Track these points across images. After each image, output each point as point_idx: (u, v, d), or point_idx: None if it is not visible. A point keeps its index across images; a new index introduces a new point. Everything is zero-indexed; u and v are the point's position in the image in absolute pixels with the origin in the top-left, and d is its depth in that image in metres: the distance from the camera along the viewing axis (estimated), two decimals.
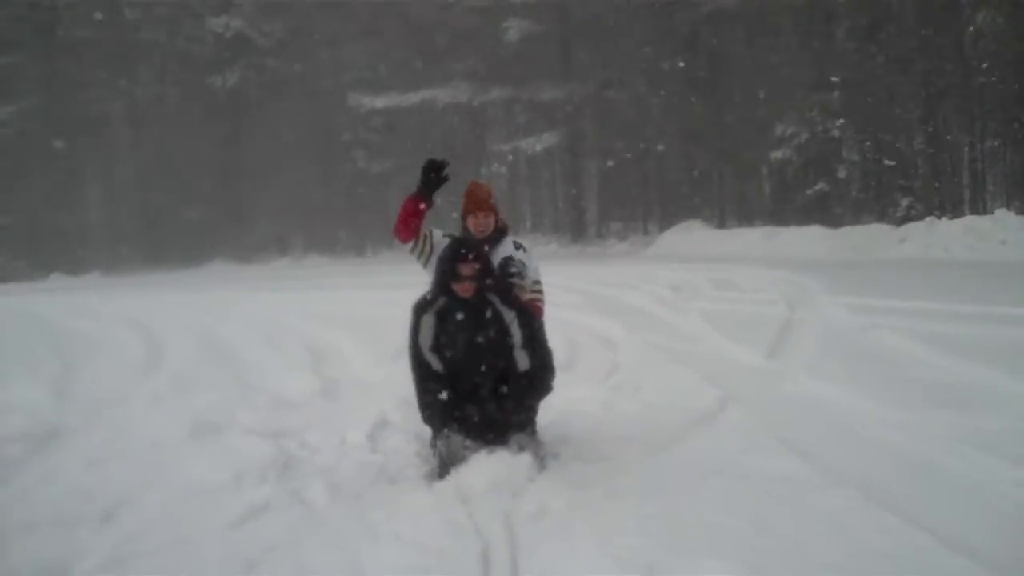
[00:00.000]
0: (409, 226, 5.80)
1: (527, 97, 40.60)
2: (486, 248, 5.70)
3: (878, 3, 29.98)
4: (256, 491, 5.19)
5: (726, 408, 6.77)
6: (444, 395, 5.33)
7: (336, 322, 14.04)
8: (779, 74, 33.06)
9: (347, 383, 8.81)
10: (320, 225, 49.06)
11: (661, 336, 10.84)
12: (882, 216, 29.07)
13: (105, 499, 5.18)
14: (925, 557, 3.84)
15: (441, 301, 5.38)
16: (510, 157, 44.66)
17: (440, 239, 5.86)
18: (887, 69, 29.41)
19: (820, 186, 32.11)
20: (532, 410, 5.58)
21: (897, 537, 4.04)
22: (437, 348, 5.39)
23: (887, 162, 30.29)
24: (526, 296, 5.77)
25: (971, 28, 28.61)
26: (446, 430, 5.38)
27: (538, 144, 39.71)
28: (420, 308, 5.42)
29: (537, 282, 6.03)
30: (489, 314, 5.35)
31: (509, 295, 5.48)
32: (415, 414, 5.69)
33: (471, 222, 5.91)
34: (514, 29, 37.72)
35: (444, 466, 5.30)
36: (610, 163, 40.42)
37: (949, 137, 30.45)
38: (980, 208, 28.76)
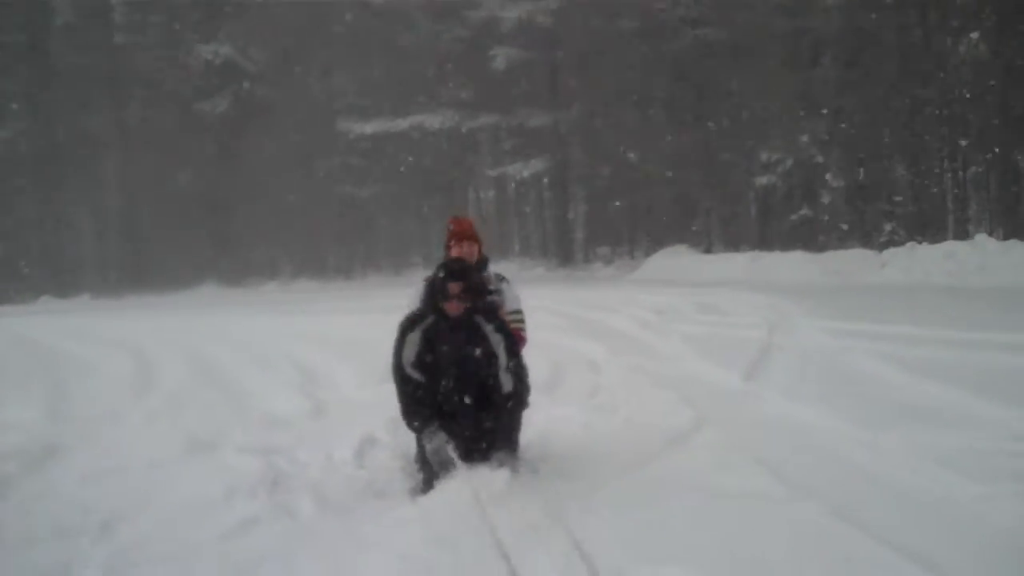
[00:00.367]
0: None
1: (515, 123, 40.87)
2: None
3: (861, 32, 30.34)
4: (247, 505, 5.41)
5: (701, 428, 6.99)
6: (427, 398, 5.56)
7: (324, 345, 14.25)
8: (764, 101, 33.42)
9: (335, 403, 9.03)
10: (308, 250, 49.17)
11: (642, 359, 11.08)
12: (865, 241, 29.31)
13: (102, 513, 5.39)
14: (883, 567, 4.06)
15: (429, 319, 5.57)
16: (497, 182, 44.99)
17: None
18: (870, 96, 29.74)
19: (804, 211, 32.42)
20: (513, 427, 5.79)
21: (857, 548, 4.28)
22: (420, 365, 5.59)
23: (869, 186, 30.62)
24: (509, 323, 5.97)
25: (954, 56, 29.04)
26: (429, 429, 5.56)
27: (525, 170, 39.94)
28: (407, 325, 5.62)
29: (518, 311, 6.21)
30: (476, 335, 5.56)
31: (496, 316, 5.70)
32: (401, 432, 5.93)
33: (455, 252, 6.12)
34: (501, 56, 37.92)
35: (428, 481, 5.52)
36: (596, 188, 40.71)
37: (933, 166, 30.75)
38: (963, 234, 28.96)
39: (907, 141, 30.22)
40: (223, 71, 48.18)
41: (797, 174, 32.39)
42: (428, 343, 5.58)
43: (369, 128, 41.92)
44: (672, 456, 6.24)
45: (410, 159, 44.72)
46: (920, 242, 24.16)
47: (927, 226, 29.29)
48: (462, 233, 6.24)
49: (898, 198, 30.66)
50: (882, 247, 26.20)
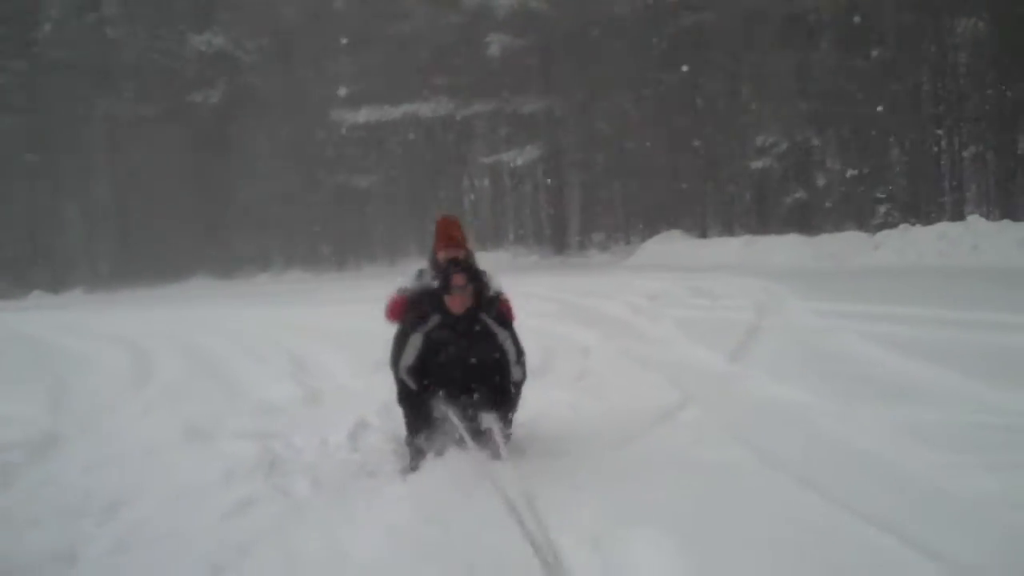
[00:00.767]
0: (396, 312, 6.24)
1: (509, 110, 41.10)
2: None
3: (858, 12, 30.54)
4: (244, 487, 5.70)
5: (685, 407, 7.28)
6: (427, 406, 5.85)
7: (318, 335, 14.54)
8: (760, 84, 33.69)
9: (329, 391, 9.31)
10: (302, 240, 49.50)
11: (633, 343, 11.37)
12: (861, 224, 29.56)
13: (104, 498, 5.66)
14: (846, 532, 4.34)
15: (435, 319, 5.80)
16: (492, 170, 45.23)
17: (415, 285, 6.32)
18: (867, 78, 29.97)
19: (799, 194, 32.72)
20: (514, 406, 6.11)
21: (822, 514, 4.56)
22: (419, 369, 5.84)
23: (865, 168, 30.84)
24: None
25: (952, 35, 29.25)
26: (425, 433, 5.88)
27: (520, 157, 40.18)
28: (409, 328, 5.86)
29: (499, 293, 6.42)
30: (481, 331, 5.82)
31: (498, 310, 5.98)
32: (394, 417, 6.24)
33: (443, 257, 6.34)
34: (496, 43, 38.16)
35: (415, 458, 5.80)
36: (591, 175, 41.02)
37: (929, 146, 30.92)
38: (959, 216, 29.05)
39: (903, 122, 30.45)
40: (216, 61, 48.36)
41: (792, 157, 32.65)
42: (432, 344, 5.82)
43: (362, 117, 42.13)
44: (655, 434, 6.52)
45: (404, 148, 44.96)
46: (914, 224, 24.43)
47: (922, 208, 29.56)
48: (450, 240, 6.44)
49: (894, 178, 30.90)
50: (877, 229, 26.44)
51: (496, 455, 5.51)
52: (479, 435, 5.72)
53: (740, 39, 33.64)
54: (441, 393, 5.87)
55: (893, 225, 25.78)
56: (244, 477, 5.92)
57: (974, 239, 20.90)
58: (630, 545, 4.20)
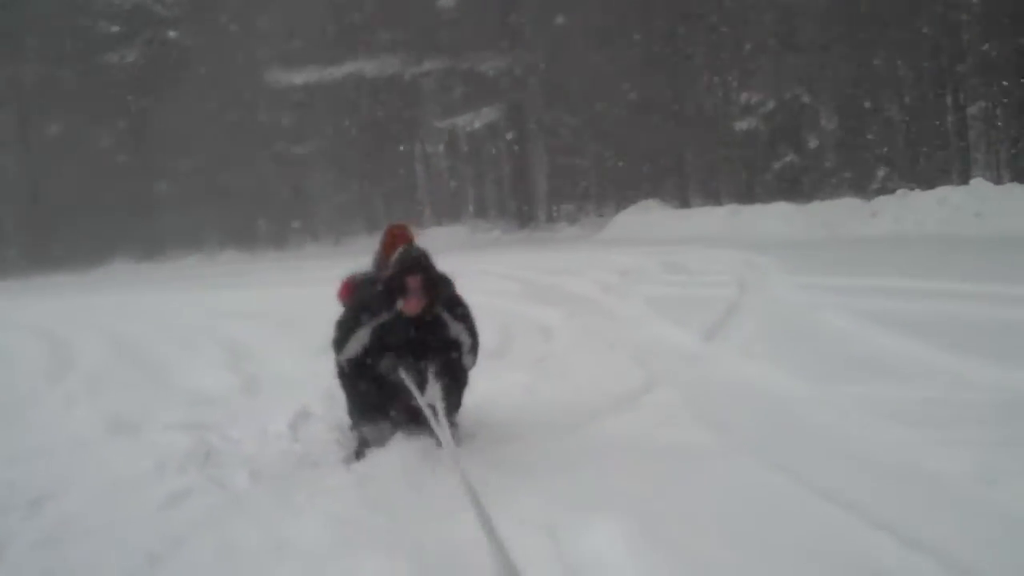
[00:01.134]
0: (346, 293, 6.62)
1: (465, 68, 41.00)
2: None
3: None
4: (178, 480, 6.01)
5: (651, 390, 7.68)
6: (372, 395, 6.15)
7: (256, 321, 14.85)
8: (744, 35, 33.92)
9: (268, 379, 9.63)
10: (236, 217, 49.43)
11: (600, 322, 11.80)
12: (858, 189, 29.92)
13: (29, 491, 5.96)
14: (806, 510, 4.71)
15: (384, 316, 6.05)
16: (447, 135, 45.35)
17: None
18: (862, 28, 30.25)
19: (789, 158, 33.12)
20: (462, 389, 6.38)
21: (787, 496, 4.93)
22: (362, 364, 6.14)
23: (860, 128, 31.20)
24: None
25: None
26: (368, 418, 6.21)
27: (477, 120, 40.27)
28: (352, 321, 6.11)
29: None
30: (437, 326, 6.13)
31: (457, 303, 6.25)
32: (337, 405, 6.58)
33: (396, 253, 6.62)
34: None
35: (361, 448, 6.15)
36: (559, 140, 41.17)
37: (931, 102, 31.22)
38: (966, 179, 29.20)
39: (903, 75, 30.77)
40: (133, 17, 48.10)
41: (781, 117, 33.02)
42: (378, 339, 6.09)
43: (300, 78, 41.99)
44: (616, 417, 6.90)
45: (348, 113, 44.93)
46: (913, 189, 24.87)
47: (924, 172, 29.87)
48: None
49: (895, 139, 31.25)
50: (874, 195, 26.86)
51: (442, 442, 5.65)
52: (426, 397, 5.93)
53: None
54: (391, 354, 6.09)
55: (892, 191, 26.19)
56: (177, 469, 6.22)
57: (978, 205, 21.36)
58: (584, 532, 4.54)
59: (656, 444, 6.04)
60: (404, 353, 6.07)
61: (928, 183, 26.90)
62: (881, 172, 30.17)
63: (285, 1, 44.07)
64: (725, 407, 6.93)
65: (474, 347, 6.25)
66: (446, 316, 6.11)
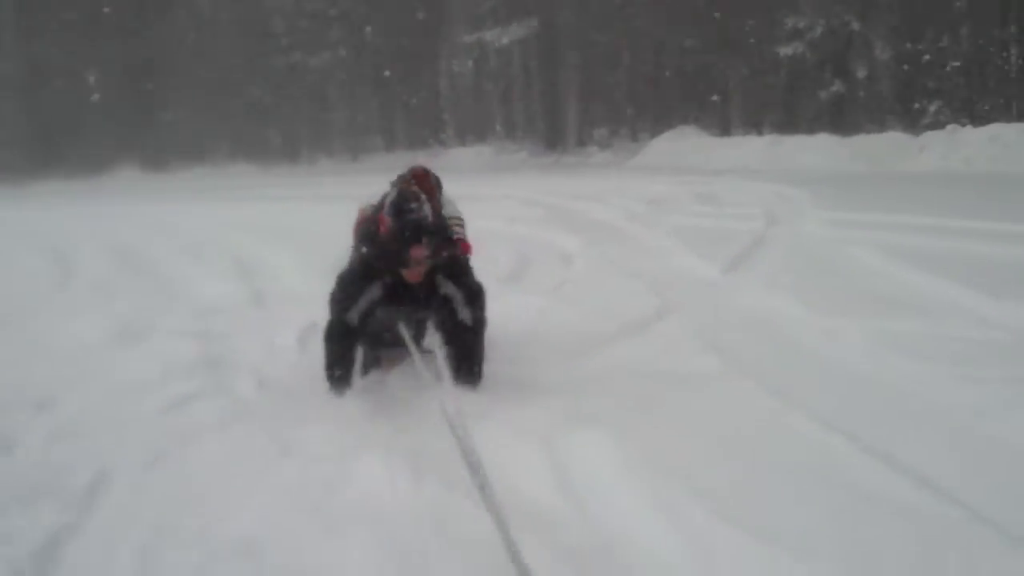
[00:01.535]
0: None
1: None
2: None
3: None
4: (185, 384, 6.47)
5: (663, 318, 8.09)
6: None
7: (265, 235, 15.25)
8: None
9: (276, 293, 10.10)
10: (247, 128, 49.70)
11: (621, 251, 12.20)
12: (908, 124, 29.92)
13: (36, 392, 6.41)
14: (797, 432, 5.11)
15: (387, 280, 6.12)
16: (475, 51, 45.30)
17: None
18: None
19: (836, 87, 33.15)
20: (477, 351, 6.36)
21: (776, 416, 5.35)
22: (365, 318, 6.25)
23: (917, 60, 31.04)
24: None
25: None
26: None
27: (506, 35, 40.15)
28: (362, 276, 6.18)
29: (457, 217, 7.04)
30: (434, 291, 6.22)
31: (456, 267, 6.35)
32: None
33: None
34: None
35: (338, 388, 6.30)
36: (592, 58, 41.10)
37: (993, 32, 31.09)
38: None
39: (961, 3, 30.62)
40: None
41: (829, 43, 32.99)
42: (378, 305, 6.21)
43: None
44: (625, 342, 7.31)
45: (368, 23, 44.89)
46: (964, 125, 24.96)
47: (981, 107, 29.81)
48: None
49: (949, 70, 31.13)
50: (924, 130, 26.93)
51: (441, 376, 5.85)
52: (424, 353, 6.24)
53: None
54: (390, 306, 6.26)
55: (942, 126, 26.27)
56: (184, 374, 6.69)
57: None
58: (576, 443, 4.93)
59: (660, 368, 6.47)
60: (403, 305, 6.25)
61: (984, 120, 26.82)
62: (933, 107, 30.15)
63: None
64: (735, 336, 7.32)
65: (471, 299, 6.26)
66: (439, 278, 6.18)
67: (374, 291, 6.09)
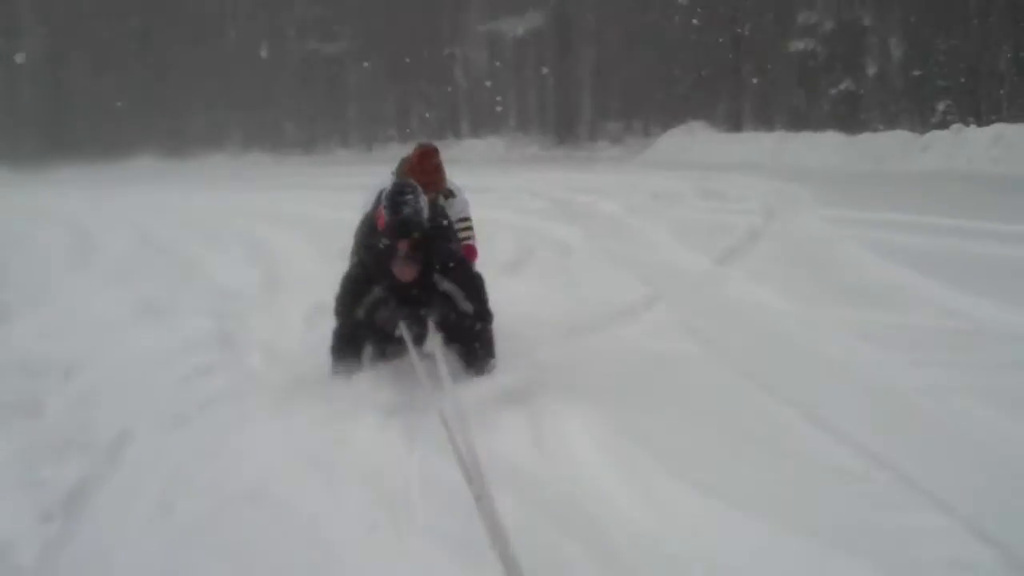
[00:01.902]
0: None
1: None
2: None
3: None
4: (202, 357, 7.04)
5: (652, 306, 8.61)
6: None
7: (280, 223, 15.82)
8: None
9: (289, 279, 10.64)
10: (263, 117, 49.86)
11: (619, 243, 12.72)
12: (919, 122, 30.14)
13: (63, 361, 6.98)
14: (757, 406, 5.65)
15: (384, 286, 6.35)
16: (489, 41, 45.67)
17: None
18: None
19: (846, 85, 33.43)
20: (487, 341, 6.57)
21: (742, 394, 5.91)
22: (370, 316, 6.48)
23: (927, 60, 31.11)
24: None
25: None
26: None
27: (521, 25, 40.37)
28: (363, 284, 6.44)
29: (466, 219, 7.37)
30: (431, 291, 6.42)
31: (454, 262, 6.44)
32: None
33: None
34: None
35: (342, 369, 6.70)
36: (606, 51, 41.40)
37: (1006, 30, 30.93)
38: None
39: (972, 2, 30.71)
40: None
41: (840, 39, 33.28)
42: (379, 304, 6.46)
43: None
44: (614, 328, 7.84)
45: (384, 11, 45.07)
46: (969, 124, 25.26)
47: (990, 105, 29.90)
48: (422, 174, 6.97)
49: (953, 80, 31.28)
50: (932, 128, 27.11)
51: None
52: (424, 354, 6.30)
53: None
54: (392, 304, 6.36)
55: (948, 125, 26.50)
56: (201, 348, 7.26)
57: None
58: (558, 417, 5.42)
59: (644, 351, 7.01)
60: (405, 304, 6.34)
61: (986, 119, 26.97)
62: (941, 106, 30.33)
63: None
64: (717, 324, 7.85)
65: (471, 293, 6.37)
66: (436, 277, 6.33)
67: (376, 292, 6.37)
